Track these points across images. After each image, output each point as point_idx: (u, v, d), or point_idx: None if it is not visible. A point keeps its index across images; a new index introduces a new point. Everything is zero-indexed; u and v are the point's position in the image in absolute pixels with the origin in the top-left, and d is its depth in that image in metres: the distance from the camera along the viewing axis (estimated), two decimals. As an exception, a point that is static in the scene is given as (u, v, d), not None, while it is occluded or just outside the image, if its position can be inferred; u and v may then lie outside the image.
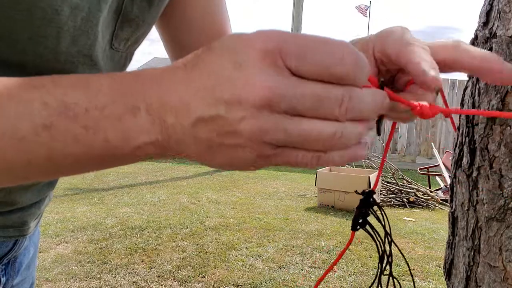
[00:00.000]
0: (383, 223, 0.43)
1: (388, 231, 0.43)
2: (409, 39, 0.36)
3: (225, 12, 0.67)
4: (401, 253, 0.45)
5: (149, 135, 0.30)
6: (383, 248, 0.44)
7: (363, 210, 0.42)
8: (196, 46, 0.64)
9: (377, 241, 0.44)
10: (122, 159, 0.31)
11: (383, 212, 0.43)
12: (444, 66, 0.38)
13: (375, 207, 0.43)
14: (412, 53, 0.35)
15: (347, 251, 3.44)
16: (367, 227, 0.42)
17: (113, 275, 2.81)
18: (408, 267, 0.43)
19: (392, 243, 0.44)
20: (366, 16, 26.38)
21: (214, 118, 0.28)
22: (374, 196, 0.42)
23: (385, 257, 0.45)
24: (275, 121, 0.27)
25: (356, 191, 0.46)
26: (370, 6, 26.36)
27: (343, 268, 3.04)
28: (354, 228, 0.42)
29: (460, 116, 0.56)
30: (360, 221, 0.42)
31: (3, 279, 0.57)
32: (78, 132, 0.30)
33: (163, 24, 0.65)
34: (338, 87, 0.27)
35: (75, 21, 0.43)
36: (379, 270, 0.45)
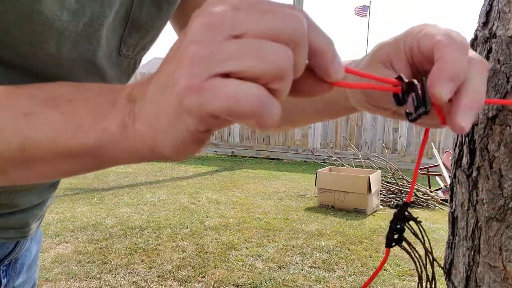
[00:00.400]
0: (422, 239, 0.38)
1: (429, 249, 0.38)
2: (446, 33, 0.33)
3: None
4: (438, 264, 0.38)
5: (117, 115, 0.30)
6: (423, 269, 0.39)
7: (398, 225, 0.37)
8: None
9: (416, 260, 0.39)
10: (88, 149, 0.30)
11: (421, 228, 0.38)
12: None
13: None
14: (448, 51, 0.32)
15: (347, 250, 3.44)
16: (404, 244, 0.38)
17: (113, 275, 2.81)
18: (436, 262, 0.39)
19: (435, 263, 0.38)
20: (366, 17, 26.37)
21: (162, 73, 0.28)
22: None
23: (427, 280, 0.39)
24: (214, 40, 0.25)
25: (390, 206, 0.41)
26: (370, 6, 26.35)
27: (343, 268, 3.04)
28: (389, 245, 0.37)
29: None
30: (396, 236, 0.37)
31: (4, 281, 0.57)
32: (55, 117, 0.30)
33: (178, 26, 0.64)
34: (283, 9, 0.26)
35: (76, 26, 0.43)
36: None
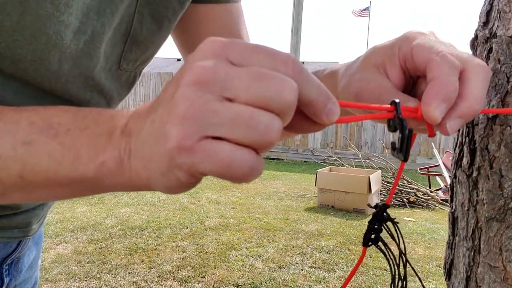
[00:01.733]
0: (397, 241, 0.39)
1: (403, 251, 0.39)
2: (439, 51, 0.34)
3: (243, 26, 0.66)
4: (414, 271, 0.40)
5: (113, 150, 0.30)
6: (396, 270, 0.40)
7: (376, 225, 0.39)
8: None
9: (390, 260, 0.40)
10: (86, 181, 0.31)
11: (397, 229, 0.39)
12: None
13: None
14: (440, 73, 0.33)
15: (347, 251, 3.44)
16: (380, 244, 0.39)
17: (113, 275, 2.81)
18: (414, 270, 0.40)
19: (408, 264, 0.40)
20: (367, 16, 26.38)
21: (155, 101, 0.29)
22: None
23: (399, 279, 0.40)
24: (207, 100, 0.25)
25: (369, 205, 0.43)
26: (370, 7, 26.37)
27: (343, 268, 3.04)
28: (365, 244, 0.39)
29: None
30: (373, 236, 0.39)
31: (7, 279, 0.57)
32: (54, 148, 0.31)
33: (180, 42, 0.65)
34: (277, 73, 0.26)
35: (77, 44, 0.43)
36: None
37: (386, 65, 0.38)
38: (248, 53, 0.27)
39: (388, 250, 0.39)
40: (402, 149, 0.32)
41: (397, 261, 0.40)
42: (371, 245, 0.39)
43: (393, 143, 0.34)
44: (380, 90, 0.37)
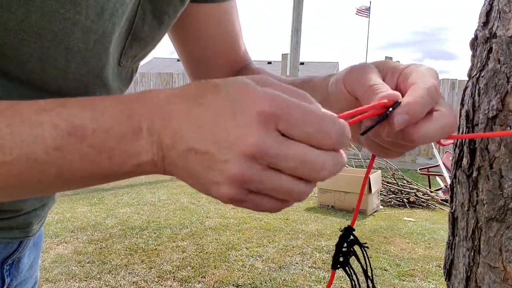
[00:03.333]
0: (364, 266, 0.40)
1: (370, 275, 0.41)
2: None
3: (237, 23, 0.67)
4: None
5: (147, 155, 0.33)
6: None
7: (344, 248, 0.39)
8: (208, 60, 0.66)
9: (353, 281, 0.41)
10: (122, 175, 0.34)
11: (365, 253, 0.40)
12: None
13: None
14: (417, 92, 0.37)
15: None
16: (347, 268, 0.40)
17: (113, 275, 2.81)
18: None
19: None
20: (367, 17, 26.38)
21: (204, 152, 0.31)
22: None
23: None
24: (255, 171, 0.30)
25: (340, 229, 0.43)
26: (370, 7, 26.36)
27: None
28: (334, 267, 0.40)
29: (460, 116, 0.56)
30: (342, 259, 0.40)
31: (8, 280, 0.58)
32: (85, 152, 0.32)
33: (178, 41, 0.66)
34: (320, 153, 0.31)
35: (87, 43, 0.43)
36: None
37: (387, 75, 0.42)
38: (297, 124, 0.30)
39: (351, 273, 0.40)
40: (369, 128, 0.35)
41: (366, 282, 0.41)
42: (339, 267, 0.40)
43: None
44: (375, 75, 0.41)
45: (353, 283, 0.41)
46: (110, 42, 0.46)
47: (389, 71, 0.41)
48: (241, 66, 0.68)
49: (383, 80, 0.41)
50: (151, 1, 0.50)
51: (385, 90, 0.37)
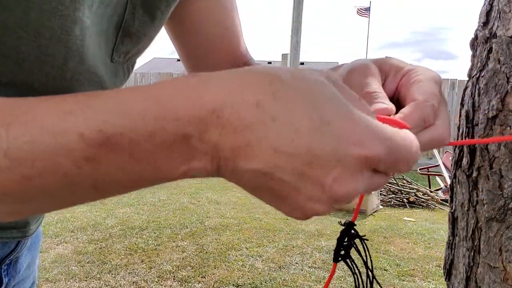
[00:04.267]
0: (364, 258, 0.41)
1: (370, 267, 0.41)
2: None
3: (236, 19, 0.66)
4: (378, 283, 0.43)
5: (199, 162, 0.28)
6: (364, 285, 0.42)
7: (345, 241, 0.40)
8: (208, 57, 0.65)
9: (356, 275, 0.41)
10: (172, 180, 0.30)
11: (365, 246, 0.41)
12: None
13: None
14: (412, 118, 0.36)
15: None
16: (349, 261, 0.41)
17: (113, 275, 2.81)
18: None
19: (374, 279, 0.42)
20: (367, 17, 26.38)
21: (282, 181, 0.28)
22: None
23: None
24: (328, 206, 0.29)
25: (339, 222, 0.44)
26: (370, 7, 26.36)
27: (343, 268, 3.04)
28: (335, 260, 0.40)
29: (460, 116, 0.56)
30: (343, 252, 0.41)
31: (5, 279, 0.57)
32: (123, 161, 0.28)
33: (176, 38, 0.65)
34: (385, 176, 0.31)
35: (83, 40, 0.43)
36: None
37: (390, 74, 0.41)
38: (393, 166, 0.29)
39: (353, 265, 0.41)
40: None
41: (367, 276, 0.43)
42: (341, 260, 0.41)
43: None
44: (374, 79, 0.39)
45: (355, 274, 0.41)
46: (102, 36, 0.45)
47: (392, 71, 0.41)
48: (242, 63, 0.68)
49: (385, 80, 0.40)
50: None
51: (381, 100, 0.37)
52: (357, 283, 0.42)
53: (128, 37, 0.51)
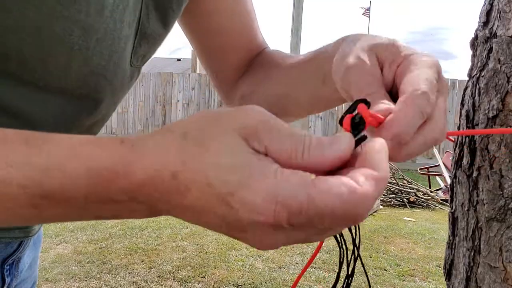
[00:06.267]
0: (353, 235, 0.41)
1: (357, 245, 0.41)
2: (419, 83, 0.35)
3: (252, 12, 0.65)
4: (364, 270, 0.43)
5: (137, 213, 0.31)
6: (347, 261, 0.42)
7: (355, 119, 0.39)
8: (224, 52, 0.64)
9: (343, 252, 0.42)
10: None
11: (357, 227, 0.41)
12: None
13: None
14: (404, 112, 0.34)
15: (348, 250, 3.42)
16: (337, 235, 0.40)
17: (112, 275, 2.80)
18: None
19: (359, 260, 0.42)
20: (368, 17, 26.40)
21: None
22: None
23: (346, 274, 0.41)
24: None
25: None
26: (370, 6, 26.37)
27: (343, 268, 3.04)
28: (341, 123, 0.40)
29: (460, 116, 0.56)
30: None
31: (8, 279, 0.58)
32: (64, 211, 0.31)
33: (191, 34, 0.64)
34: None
35: (88, 41, 0.43)
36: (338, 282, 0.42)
37: (385, 65, 0.39)
38: (311, 223, 0.27)
39: (342, 239, 0.41)
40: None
41: (353, 255, 0.43)
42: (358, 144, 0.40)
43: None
44: (372, 78, 0.38)
45: (341, 249, 0.42)
46: (113, 40, 0.45)
47: (387, 60, 0.39)
48: (257, 53, 0.67)
49: (382, 69, 0.39)
50: None
51: (380, 100, 0.36)
52: (341, 258, 0.42)
53: (145, 40, 0.51)
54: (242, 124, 0.29)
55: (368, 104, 0.33)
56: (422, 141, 0.35)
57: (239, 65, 0.65)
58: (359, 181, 0.27)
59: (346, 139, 0.29)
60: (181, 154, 0.29)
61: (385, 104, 0.35)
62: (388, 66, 0.39)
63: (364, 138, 0.31)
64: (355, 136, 0.31)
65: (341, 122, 0.33)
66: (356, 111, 0.32)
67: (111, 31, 0.44)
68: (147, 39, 0.51)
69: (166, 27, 0.54)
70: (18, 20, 0.38)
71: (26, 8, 0.38)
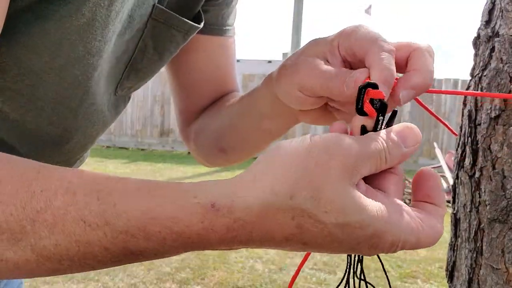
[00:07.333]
0: None
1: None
2: (376, 40, 0.36)
3: (231, 58, 0.65)
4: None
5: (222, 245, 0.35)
6: (348, 262, 0.44)
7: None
8: (193, 89, 0.64)
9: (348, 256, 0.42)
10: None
11: None
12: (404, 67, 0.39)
13: None
14: (377, 59, 0.35)
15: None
16: None
17: (111, 277, 2.80)
18: None
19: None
20: (368, 17, 26.49)
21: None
22: None
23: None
24: None
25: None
26: (371, 5, 26.46)
27: (343, 269, 3.04)
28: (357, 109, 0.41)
29: (462, 115, 0.56)
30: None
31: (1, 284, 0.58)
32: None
33: (167, 67, 0.64)
34: None
35: (98, 82, 0.45)
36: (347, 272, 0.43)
37: (328, 56, 0.40)
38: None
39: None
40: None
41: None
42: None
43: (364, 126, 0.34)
44: (327, 71, 0.38)
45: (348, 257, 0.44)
46: (111, 77, 0.48)
47: (356, 59, 0.39)
48: (226, 95, 0.66)
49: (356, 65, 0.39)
50: (153, 37, 0.50)
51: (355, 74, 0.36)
52: (348, 264, 0.44)
53: (134, 73, 0.52)
54: (347, 170, 0.31)
55: (375, 86, 0.33)
56: (409, 85, 0.36)
57: (204, 105, 0.64)
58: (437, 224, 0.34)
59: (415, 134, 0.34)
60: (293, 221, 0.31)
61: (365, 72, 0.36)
62: (358, 63, 0.39)
63: (395, 113, 0.34)
64: (382, 118, 0.33)
65: (360, 111, 0.33)
66: (365, 96, 0.33)
67: (111, 69, 0.47)
68: (136, 73, 0.52)
69: (160, 65, 0.55)
70: (45, 64, 0.39)
71: (56, 55, 0.39)
